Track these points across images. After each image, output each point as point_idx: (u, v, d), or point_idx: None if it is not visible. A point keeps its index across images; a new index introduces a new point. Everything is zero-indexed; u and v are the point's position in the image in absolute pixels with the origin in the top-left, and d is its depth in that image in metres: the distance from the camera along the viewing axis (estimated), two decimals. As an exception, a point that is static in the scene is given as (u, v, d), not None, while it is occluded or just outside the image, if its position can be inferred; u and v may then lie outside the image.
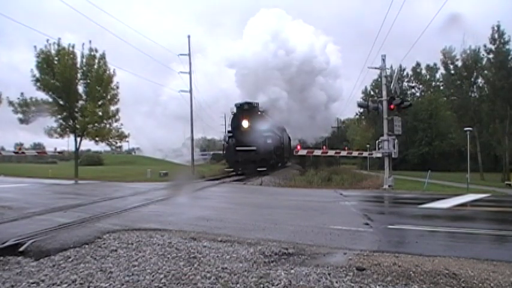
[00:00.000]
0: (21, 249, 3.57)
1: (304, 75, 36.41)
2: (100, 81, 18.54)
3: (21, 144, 30.43)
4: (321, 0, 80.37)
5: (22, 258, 3.37)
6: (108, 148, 25.79)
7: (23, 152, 19.72)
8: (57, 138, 18.43)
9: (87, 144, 31.98)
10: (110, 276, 2.89)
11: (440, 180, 21.75)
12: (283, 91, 34.48)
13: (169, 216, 6.03)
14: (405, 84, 53.70)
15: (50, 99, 17.91)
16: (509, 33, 29.37)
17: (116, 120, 19.02)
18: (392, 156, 14.09)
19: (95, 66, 18.66)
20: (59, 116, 18.15)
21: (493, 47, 29.97)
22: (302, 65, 35.55)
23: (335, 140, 46.68)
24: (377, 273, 2.97)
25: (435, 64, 49.12)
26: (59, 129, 18.30)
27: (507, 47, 29.47)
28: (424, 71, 53.73)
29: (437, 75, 49.61)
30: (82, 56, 18.37)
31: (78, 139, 18.75)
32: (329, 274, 2.94)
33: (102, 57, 18.78)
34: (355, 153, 22.13)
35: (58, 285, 2.72)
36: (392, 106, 13.98)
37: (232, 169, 21.03)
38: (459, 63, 33.73)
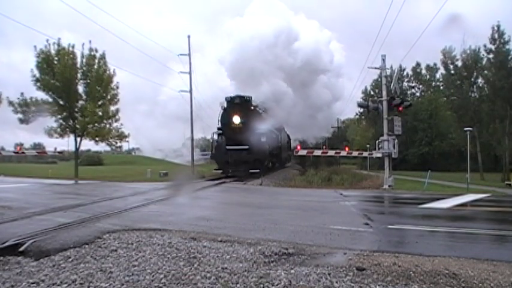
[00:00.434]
0: (21, 249, 3.57)
1: (307, 71, 34.12)
2: (100, 81, 18.55)
3: (21, 144, 30.48)
4: (321, 0, 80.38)
5: (22, 258, 3.37)
6: (108, 148, 25.82)
7: (23, 152, 19.74)
8: (57, 138, 18.45)
9: (87, 144, 32.01)
10: (110, 276, 2.89)
11: (440, 180, 21.75)
12: (282, 83, 31.21)
13: (169, 216, 6.03)
14: (405, 84, 53.70)
15: (50, 99, 17.92)
16: (509, 33, 29.39)
17: (116, 120, 19.04)
18: (392, 156, 14.09)
19: (95, 66, 18.67)
20: (59, 116, 18.16)
21: (493, 47, 29.98)
22: (306, 59, 33.01)
23: (335, 140, 46.64)
24: (377, 273, 2.97)
25: (435, 64, 49.15)
26: (59, 129, 18.31)
27: (507, 47, 29.48)
28: (424, 71, 53.75)
29: (437, 75, 49.65)
30: (82, 56, 18.38)
31: (78, 139, 18.75)
32: (329, 274, 2.94)
33: (102, 57, 18.79)
34: (355, 153, 22.11)
35: (58, 285, 2.72)
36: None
37: (221, 170, 18.57)
38: (459, 63, 33.74)
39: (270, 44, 30.39)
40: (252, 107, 19.00)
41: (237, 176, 17.06)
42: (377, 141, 14.71)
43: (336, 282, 2.78)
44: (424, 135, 46.04)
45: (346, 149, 24.51)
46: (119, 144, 21.30)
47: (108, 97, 18.94)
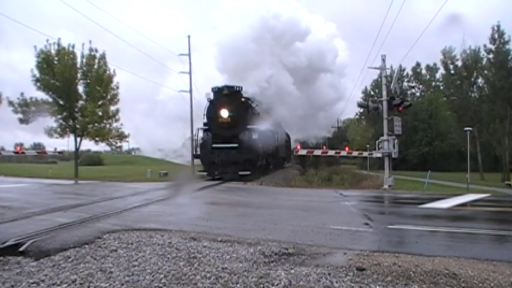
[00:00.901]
0: (21, 249, 3.56)
1: (311, 68, 31.99)
2: (100, 81, 18.56)
3: (21, 144, 30.43)
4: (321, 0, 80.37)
5: (22, 258, 3.36)
6: (108, 148, 25.81)
7: (23, 152, 19.72)
8: (57, 138, 18.46)
9: (87, 144, 31.96)
10: (110, 276, 2.89)
11: (440, 180, 21.75)
12: (284, 77, 28.48)
13: (169, 216, 6.03)
14: (405, 84, 53.71)
15: (50, 99, 17.93)
16: (509, 33, 29.40)
17: (116, 120, 19.05)
18: (392, 156, 14.09)
19: (95, 66, 18.68)
20: (59, 116, 18.17)
21: (493, 47, 29.98)
22: (309, 55, 31.06)
23: (335, 140, 46.63)
24: (377, 273, 2.97)
25: (435, 64, 49.15)
26: (59, 129, 18.32)
27: (507, 47, 29.49)
28: (424, 71, 53.77)
29: (437, 75, 49.66)
30: (82, 56, 18.40)
31: (78, 139, 18.76)
32: (329, 274, 2.94)
33: (102, 57, 18.81)
34: (355, 153, 22.09)
35: (58, 285, 2.72)
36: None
37: (206, 172, 16.17)
38: (459, 63, 33.74)
39: (267, 32, 27.52)
40: (243, 99, 16.21)
41: (225, 178, 14.76)
42: (377, 141, 14.72)
43: (336, 282, 2.78)
44: (424, 135, 46.04)
45: (346, 149, 24.50)
46: (119, 144, 21.32)
47: (108, 97, 18.96)
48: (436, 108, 45.34)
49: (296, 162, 38.14)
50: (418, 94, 54.81)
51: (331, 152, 19.02)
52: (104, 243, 3.85)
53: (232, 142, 15.58)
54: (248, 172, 15.06)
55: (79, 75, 18.44)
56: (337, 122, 47.21)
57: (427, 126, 45.99)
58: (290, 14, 31.53)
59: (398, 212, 8.07)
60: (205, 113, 16.35)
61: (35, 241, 3.77)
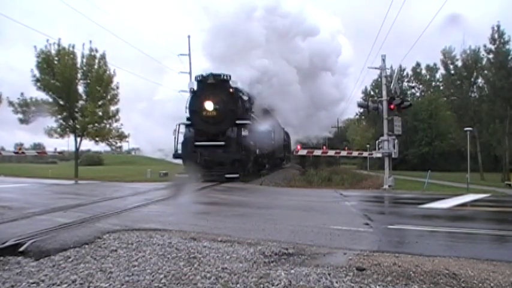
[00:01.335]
0: (21, 249, 3.56)
1: (314, 64, 30.04)
2: (100, 81, 18.59)
3: (21, 144, 30.44)
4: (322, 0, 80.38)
5: (22, 258, 3.36)
6: (108, 148, 25.85)
7: (23, 152, 19.74)
8: (57, 138, 18.52)
9: (87, 144, 31.98)
10: (110, 276, 2.89)
11: (440, 180, 21.76)
12: (283, 66, 25.84)
13: (169, 216, 6.03)
14: (405, 84, 53.75)
15: (50, 99, 17.97)
16: (509, 33, 29.43)
17: (116, 121, 19.09)
18: (393, 156, 14.10)
19: (95, 66, 18.71)
20: (59, 116, 18.21)
21: (493, 47, 30.00)
22: (312, 49, 29.15)
23: (335, 140, 46.64)
24: (377, 273, 2.97)
25: (435, 64, 49.20)
26: (59, 129, 18.36)
27: (507, 47, 29.51)
28: (424, 71, 53.84)
29: (437, 75, 49.70)
30: (82, 56, 18.44)
31: (78, 139, 18.79)
32: (329, 274, 2.94)
33: (102, 57, 18.84)
34: (355, 153, 22.15)
35: (58, 285, 2.72)
36: (392, 106, 14.02)
37: (186, 175, 13.78)
38: (459, 63, 33.77)
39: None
40: (232, 90, 13.83)
41: (209, 181, 12.37)
42: (377, 141, 14.72)
43: (336, 282, 2.78)
44: (424, 135, 46.10)
45: (346, 149, 24.51)
46: (119, 144, 21.35)
47: (108, 97, 19.00)
48: (436, 108, 45.39)
49: (296, 162, 38.12)
50: (418, 94, 54.86)
51: (331, 152, 19.03)
52: (104, 243, 3.85)
53: (218, 139, 13.57)
54: (236, 175, 13.06)
55: (79, 75, 18.47)
56: (337, 122, 47.24)
57: (427, 126, 46.03)
58: (295, 8, 29.42)
59: (399, 212, 8.07)
60: (187, 105, 14.13)
61: (35, 241, 3.77)
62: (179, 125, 14.31)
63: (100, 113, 18.40)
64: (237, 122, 13.84)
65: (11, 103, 17.75)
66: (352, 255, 3.53)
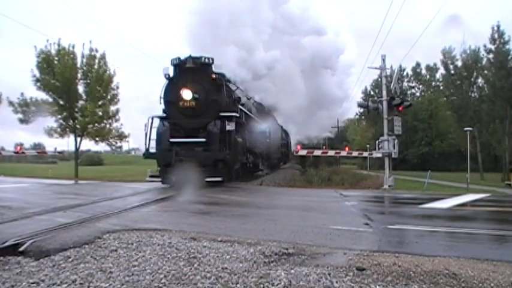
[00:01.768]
0: (21, 249, 3.56)
1: (317, 61, 27.83)
2: (100, 81, 18.62)
3: (21, 144, 30.45)
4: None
5: (22, 258, 3.36)
6: (108, 148, 25.88)
7: (23, 152, 19.75)
8: (57, 138, 18.56)
9: (87, 144, 32.02)
10: (110, 276, 2.89)
11: (440, 180, 21.77)
12: (284, 57, 23.11)
13: (169, 216, 6.03)
14: (405, 84, 53.81)
15: (50, 99, 17.99)
16: (509, 33, 29.51)
17: (116, 120, 19.11)
18: (393, 156, 14.10)
19: (95, 66, 18.73)
20: (59, 116, 18.24)
21: (492, 47, 30.07)
22: (315, 46, 26.70)
23: (335, 140, 46.63)
24: (377, 273, 2.97)
25: (435, 64, 49.35)
26: (59, 129, 18.39)
27: (507, 47, 29.61)
28: (424, 71, 53.99)
29: (437, 75, 49.84)
30: (82, 56, 18.46)
31: (78, 139, 18.82)
32: (329, 274, 2.94)
33: (102, 57, 18.85)
34: (355, 153, 22.13)
35: (58, 285, 2.72)
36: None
37: (158, 177, 11.53)
38: (459, 63, 33.81)
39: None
40: (215, 76, 11.37)
41: (186, 187, 9.82)
42: (377, 141, 14.73)
43: (336, 282, 2.78)
44: (424, 135, 46.18)
45: (346, 149, 24.48)
46: (119, 144, 21.37)
47: (108, 97, 19.03)
48: (436, 108, 45.49)
49: (296, 162, 38.10)
50: (418, 94, 54.92)
51: (331, 152, 19.04)
52: (104, 243, 3.85)
53: (197, 136, 11.27)
54: (219, 178, 10.74)
55: (79, 75, 18.51)
56: (337, 122, 47.20)
57: (427, 126, 46.11)
58: (302, 5, 27.38)
59: (399, 212, 8.07)
60: (161, 95, 11.75)
61: (35, 241, 3.77)
62: (152, 118, 11.99)
63: (100, 113, 18.41)
64: (222, 114, 11.32)
65: (11, 103, 17.79)
66: (352, 255, 3.53)
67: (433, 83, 51.68)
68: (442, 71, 40.73)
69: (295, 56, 26.42)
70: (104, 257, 3.41)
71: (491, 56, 30.36)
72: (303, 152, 17.72)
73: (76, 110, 18.12)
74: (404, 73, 52.83)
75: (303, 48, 27.36)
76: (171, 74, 11.52)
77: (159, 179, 11.44)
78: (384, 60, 14.99)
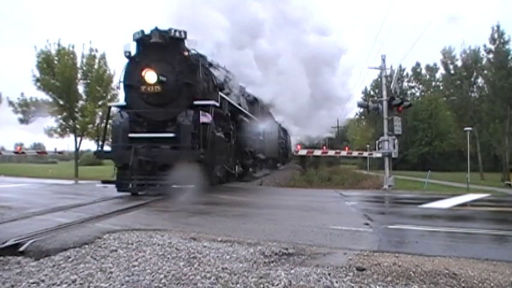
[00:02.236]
0: (21, 249, 3.56)
1: (319, 57, 26.79)
2: (100, 81, 18.64)
3: (21, 144, 30.46)
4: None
5: (22, 258, 3.37)
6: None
7: (23, 152, 19.76)
8: (57, 138, 18.57)
9: (87, 144, 32.00)
10: (110, 276, 2.90)
11: (440, 180, 21.78)
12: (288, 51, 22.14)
13: (169, 216, 6.02)
14: (405, 84, 53.83)
15: (50, 99, 18.00)
16: (509, 33, 29.53)
17: (116, 120, 19.06)
18: (393, 156, 14.11)
19: (95, 66, 18.74)
20: (59, 116, 18.27)
21: (492, 47, 30.10)
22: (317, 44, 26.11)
23: (335, 140, 46.59)
24: (377, 273, 2.97)
25: (435, 64, 49.34)
26: (59, 129, 18.42)
27: (507, 46, 29.62)
28: (424, 71, 54.00)
29: (437, 75, 49.84)
30: (82, 56, 18.47)
31: (78, 139, 18.80)
32: (329, 274, 2.94)
33: (102, 57, 18.86)
34: (355, 153, 22.15)
35: (58, 285, 2.72)
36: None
37: (113, 183, 8.93)
38: (459, 63, 33.83)
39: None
40: (187, 53, 9.14)
41: (148, 195, 8.35)
42: (377, 141, 14.73)
43: (336, 282, 2.78)
44: (424, 135, 46.19)
45: (346, 149, 24.48)
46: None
47: (108, 97, 19.03)
48: (436, 108, 45.50)
49: (296, 162, 38.05)
50: (418, 94, 54.95)
51: (331, 152, 19.04)
52: (104, 243, 3.85)
53: (165, 130, 8.96)
54: (191, 185, 8.21)
55: (79, 75, 18.52)
56: (337, 122, 47.16)
57: (427, 126, 46.13)
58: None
59: (399, 212, 8.07)
60: (121, 79, 9.63)
61: (35, 241, 3.77)
62: (109, 107, 10.26)
63: (100, 113, 18.41)
64: (197, 103, 8.98)
65: (11, 103, 17.82)
66: (352, 255, 3.53)
67: (433, 83, 51.72)
68: (442, 71, 40.81)
69: (297, 53, 25.93)
70: (103, 257, 3.41)
71: (491, 56, 30.40)
72: (303, 152, 17.71)
73: (76, 110, 18.12)
74: (404, 73, 52.90)
75: (305, 46, 27.01)
76: (133, 52, 9.34)
77: (115, 186, 8.78)
78: (384, 60, 15.00)
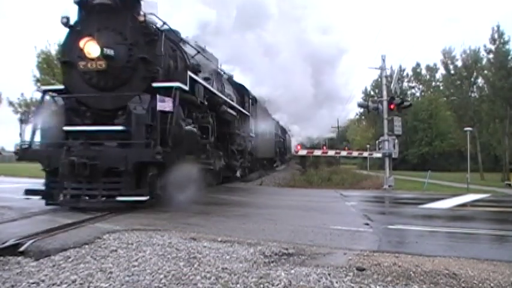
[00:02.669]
0: (21, 249, 3.56)
1: (321, 57, 26.16)
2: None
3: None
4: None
5: (22, 258, 3.37)
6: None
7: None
8: (57, 138, 18.51)
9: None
10: (110, 276, 2.90)
11: (440, 180, 21.76)
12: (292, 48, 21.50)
13: (169, 216, 6.01)
14: (405, 84, 53.82)
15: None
16: (509, 33, 29.49)
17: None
18: (393, 156, 14.11)
19: (95, 66, 18.70)
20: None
21: (492, 47, 30.06)
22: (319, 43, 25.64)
23: (335, 140, 46.56)
24: (377, 273, 2.97)
25: (435, 64, 49.34)
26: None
27: (507, 47, 29.57)
28: (424, 71, 53.97)
29: (437, 75, 49.84)
30: (82, 56, 18.42)
31: (78, 139, 18.77)
32: (329, 274, 2.94)
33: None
34: (355, 153, 22.21)
35: (58, 285, 2.72)
36: (392, 106, 13.97)
37: (38, 194, 6.41)
38: (459, 63, 33.83)
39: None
40: (144, 18, 6.52)
41: (87, 209, 5.77)
42: (377, 141, 14.75)
43: (336, 282, 2.78)
44: (424, 135, 46.15)
45: (346, 149, 24.48)
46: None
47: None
48: (436, 108, 45.48)
49: (296, 162, 37.98)
50: (418, 94, 54.94)
51: (331, 152, 19.03)
52: (104, 243, 3.85)
53: (113, 121, 6.66)
54: (143, 197, 6.04)
55: (79, 75, 18.47)
56: (337, 122, 47.13)
57: (427, 126, 46.10)
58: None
59: (399, 212, 8.06)
60: (58, 56, 7.31)
61: (35, 241, 3.77)
62: (44, 92, 7.74)
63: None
64: (155, 84, 6.63)
65: (11, 103, 17.83)
66: (352, 255, 3.53)
67: (433, 83, 51.73)
68: (442, 71, 40.84)
69: (299, 50, 25.38)
70: (103, 257, 3.41)
71: (491, 56, 30.38)
72: (303, 152, 17.69)
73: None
74: (405, 73, 52.89)
75: (307, 44, 26.53)
76: (72, 22, 6.95)
77: (39, 195, 6.47)
78: (384, 60, 15.03)
